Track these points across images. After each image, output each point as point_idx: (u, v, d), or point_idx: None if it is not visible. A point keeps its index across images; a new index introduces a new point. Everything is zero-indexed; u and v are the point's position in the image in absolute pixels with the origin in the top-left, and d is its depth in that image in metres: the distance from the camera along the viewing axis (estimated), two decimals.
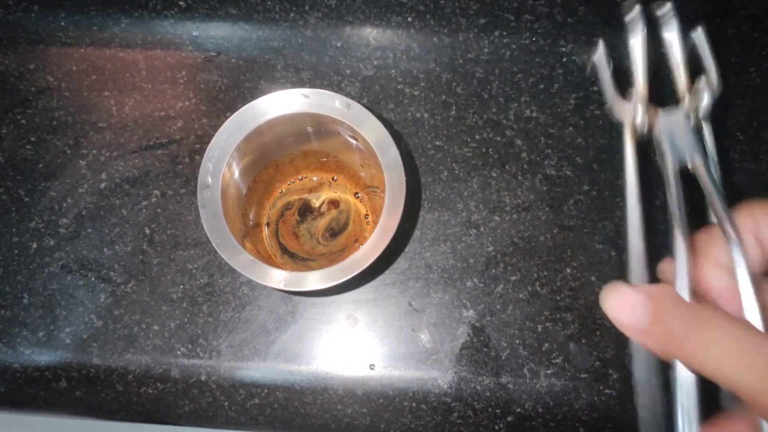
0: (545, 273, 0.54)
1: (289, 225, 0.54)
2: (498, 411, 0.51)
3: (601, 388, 0.51)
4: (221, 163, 0.44)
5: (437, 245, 0.54)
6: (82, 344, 0.53)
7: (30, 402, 0.53)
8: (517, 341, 0.52)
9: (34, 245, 0.55)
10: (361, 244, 0.45)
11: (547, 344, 0.52)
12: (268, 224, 0.54)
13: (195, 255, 0.55)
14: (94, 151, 0.57)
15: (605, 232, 0.54)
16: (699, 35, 0.45)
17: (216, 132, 0.45)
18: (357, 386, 0.52)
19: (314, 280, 0.42)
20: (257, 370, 0.52)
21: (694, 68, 0.45)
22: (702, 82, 0.44)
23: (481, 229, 0.55)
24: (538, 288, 0.53)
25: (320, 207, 0.55)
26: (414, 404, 0.52)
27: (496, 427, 0.51)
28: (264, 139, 0.46)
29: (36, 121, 0.58)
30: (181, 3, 0.59)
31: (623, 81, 0.46)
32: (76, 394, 0.53)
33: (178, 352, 0.53)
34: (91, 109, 0.58)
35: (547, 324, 0.53)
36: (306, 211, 0.55)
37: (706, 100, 0.43)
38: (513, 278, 0.54)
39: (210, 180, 0.43)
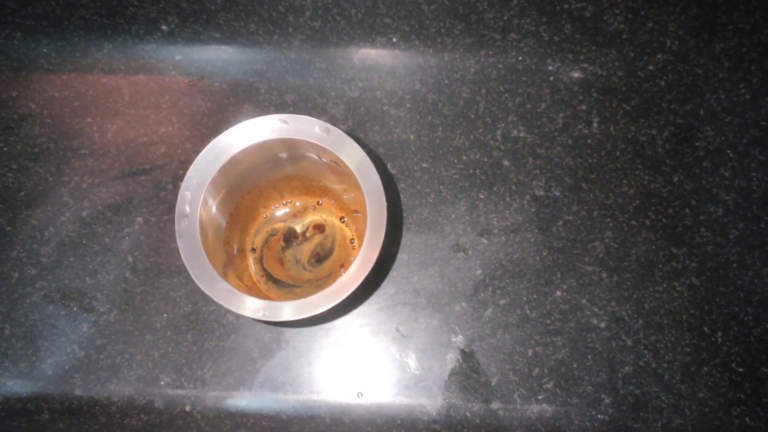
0: (534, 296, 0.53)
1: (273, 251, 0.54)
2: None
3: (593, 413, 0.50)
4: (199, 192, 0.43)
5: (425, 269, 0.54)
6: (64, 375, 0.52)
7: None
8: (507, 366, 0.51)
9: (16, 275, 0.54)
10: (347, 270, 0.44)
11: (537, 369, 0.51)
12: (253, 250, 0.53)
13: (178, 283, 0.54)
14: (77, 178, 0.56)
15: (595, 254, 0.53)
16: None
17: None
18: (344, 414, 0.51)
19: (291, 310, 0.41)
20: (243, 399, 0.51)
21: None
22: None
23: (469, 252, 0.54)
24: (528, 311, 0.52)
25: (305, 232, 0.54)
26: None
27: None
28: (242, 166, 0.45)
29: (18, 148, 0.57)
30: (163, 27, 0.58)
31: None
32: (59, 426, 0.52)
33: (162, 382, 0.52)
34: (73, 136, 0.57)
35: (537, 348, 0.52)
36: (291, 236, 0.54)
37: None
38: (502, 302, 0.53)
39: (188, 209, 0.43)
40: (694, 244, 0.53)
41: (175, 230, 0.42)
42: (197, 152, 0.45)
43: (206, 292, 0.41)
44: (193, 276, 0.41)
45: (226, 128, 0.45)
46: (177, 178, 0.56)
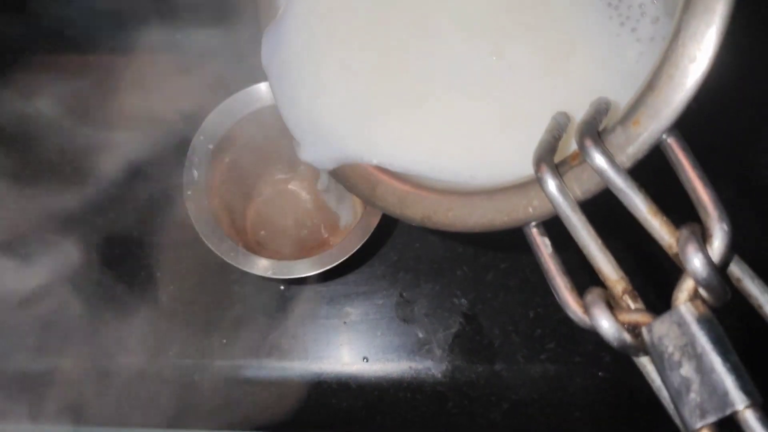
0: (534, 259, 0.54)
1: (277, 220, 0.55)
2: (493, 398, 0.51)
3: (594, 371, 0.51)
4: (207, 157, 0.44)
5: (426, 235, 0.55)
6: (72, 348, 0.53)
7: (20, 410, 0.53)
8: (509, 328, 0.53)
9: None
10: None
11: (539, 330, 0.52)
12: (254, 217, 0.54)
13: (184, 256, 0.54)
14: (83, 156, 0.57)
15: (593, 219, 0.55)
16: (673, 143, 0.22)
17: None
18: (351, 379, 0.52)
19: (301, 267, 0.42)
20: (250, 367, 0.52)
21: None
22: (688, 231, 0.21)
23: None
24: (528, 274, 0.54)
25: (306, 200, 0.55)
26: (409, 395, 0.51)
27: (492, 415, 0.51)
28: (250, 130, 0.46)
29: (21, 129, 0.58)
30: (164, 8, 0.59)
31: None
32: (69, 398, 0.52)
33: (170, 353, 0.52)
34: (79, 115, 0.58)
35: (538, 309, 0.53)
36: (292, 204, 0.55)
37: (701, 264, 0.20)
38: (503, 266, 0.54)
39: (196, 174, 0.44)
40: None
41: (183, 193, 0.43)
42: (197, 130, 0.45)
43: (215, 251, 0.42)
44: (202, 237, 0.42)
45: None
46: (182, 155, 0.56)
